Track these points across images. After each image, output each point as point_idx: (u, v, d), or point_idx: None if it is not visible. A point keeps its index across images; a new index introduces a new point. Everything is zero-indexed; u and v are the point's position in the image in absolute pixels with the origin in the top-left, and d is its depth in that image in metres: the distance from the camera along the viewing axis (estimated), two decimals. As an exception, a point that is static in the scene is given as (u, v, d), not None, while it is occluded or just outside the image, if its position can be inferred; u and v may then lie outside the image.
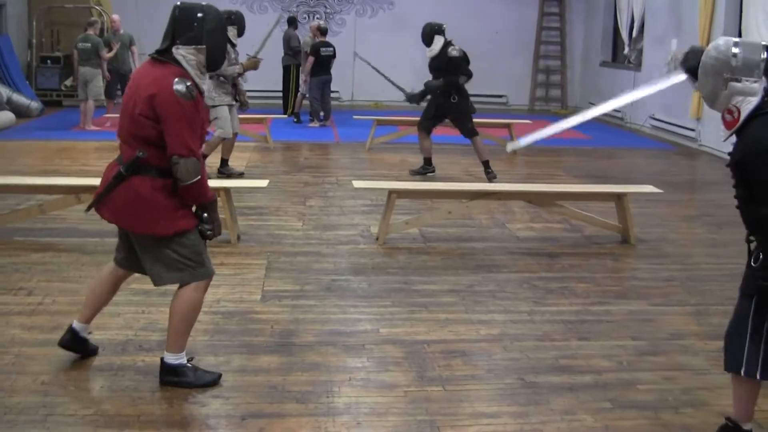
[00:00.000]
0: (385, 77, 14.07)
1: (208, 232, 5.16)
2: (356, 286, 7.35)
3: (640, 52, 19.98)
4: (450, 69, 12.18)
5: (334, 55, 17.86)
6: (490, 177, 12.25)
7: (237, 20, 11.55)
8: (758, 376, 4.39)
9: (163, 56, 5.05)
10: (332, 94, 18.90)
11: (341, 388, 5.32)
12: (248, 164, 13.07)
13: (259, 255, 8.07)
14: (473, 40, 22.09)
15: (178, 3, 5.13)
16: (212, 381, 5.28)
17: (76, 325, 5.51)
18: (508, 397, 5.27)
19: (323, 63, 17.68)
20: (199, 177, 4.99)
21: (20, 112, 17.94)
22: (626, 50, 20.77)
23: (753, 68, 4.22)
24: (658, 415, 5.07)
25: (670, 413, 5.11)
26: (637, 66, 19.94)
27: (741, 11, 15.61)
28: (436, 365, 5.68)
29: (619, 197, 9.14)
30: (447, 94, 12.28)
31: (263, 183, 9.28)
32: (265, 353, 5.79)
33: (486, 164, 12.41)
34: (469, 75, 12.39)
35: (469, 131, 12.55)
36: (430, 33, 12.39)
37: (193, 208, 5.17)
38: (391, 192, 8.72)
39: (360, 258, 8.20)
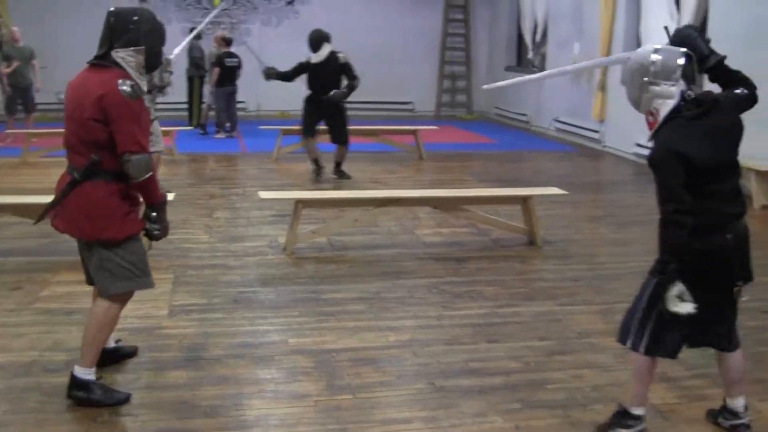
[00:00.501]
0: (257, 57, 14.28)
1: (156, 233, 5.26)
2: (264, 297, 7.29)
3: (544, 56, 20.26)
4: (343, 74, 12.66)
5: (239, 66, 17.77)
6: (342, 176, 12.91)
7: None
8: (641, 351, 4.60)
9: (102, 61, 5.09)
10: (238, 105, 18.78)
11: (251, 400, 5.28)
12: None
13: (166, 269, 7.96)
14: (379, 48, 22.28)
15: (112, 9, 5.20)
16: (122, 400, 5.21)
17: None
18: (419, 402, 5.26)
19: (228, 73, 17.58)
20: (151, 174, 5.06)
21: None
22: (530, 55, 21.02)
23: (670, 72, 4.37)
24: (567, 413, 5.12)
25: (580, 411, 5.16)
26: (541, 70, 20.15)
27: (639, 17, 15.91)
28: (345, 373, 5.66)
29: (524, 200, 9.23)
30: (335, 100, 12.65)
31: (169, 196, 9.11)
32: (174, 368, 5.71)
33: (340, 165, 13.04)
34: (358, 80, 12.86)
35: (345, 139, 12.95)
36: (318, 39, 12.68)
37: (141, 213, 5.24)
38: (298, 202, 8.69)
39: (268, 269, 8.14)
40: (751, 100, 4.61)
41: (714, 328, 4.65)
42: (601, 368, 5.84)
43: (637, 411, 4.70)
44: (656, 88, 4.39)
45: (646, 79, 4.40)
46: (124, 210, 5.10)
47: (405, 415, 5.09)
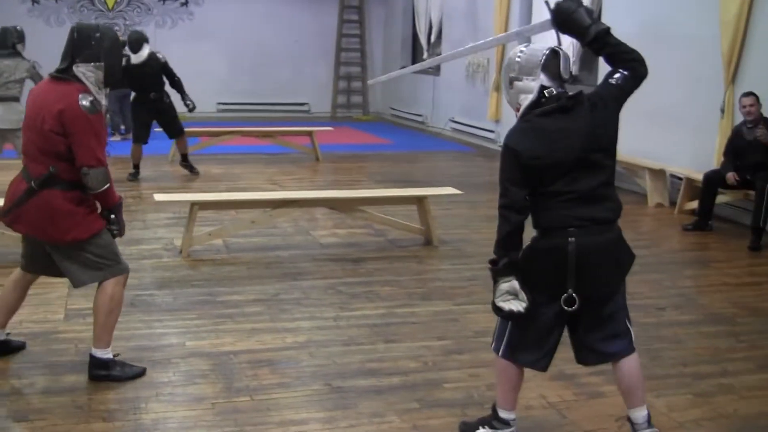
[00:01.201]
0: None
1: (115, 232, 5.53)
2: (161, 300, 7.24)
3: (439, 56, 20.40)
4: (165, 73, 12.98)
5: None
6: (192, 170, 13.39)
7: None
8: (499, 353, 4.59)
9: (63, 74, 5.28)
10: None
11: (148, 404, 5.24)
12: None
13: (61, 273, 7.85)
14: (274, 49, 22.24)
15: (75, 25, 5.43)
16: (138, 373, 5.60)
17: None
18: (316, 403, 5.29)
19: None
20: (108, 185, 5.32)
21: None
22: (425, 55, 21.15)
23: (532, 68, 4.32)
24: (464, 412, 5.17)
25: (476, 409, 5.21)
26: (436, 70, 20.32)
27: (531, 16, 16.18)
28: (243, 375, 5.65)
29: (420, 200, 9.32)
30: (161, 98, 12.95)
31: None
32: (70, 372, 5.64)
33: (185, 157, 13.48)
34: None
35: (180, 130, 13.35)
36: (138, 40, 12.78)
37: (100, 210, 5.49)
38: (193, 204, 8.64)
39: (164, 272, 8.08)
40: (634, 79, 4.41)
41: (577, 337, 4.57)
42: (494, 366, 5.91)
43: (503, 414, 4.68)
44: (519, 84, 4.36)
45: (511, 75, 4.39)
46: (83, 211, 5.35)
47: (302, 416, 5.11)
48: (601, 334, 4.51)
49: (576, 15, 4.44)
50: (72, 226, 5.30)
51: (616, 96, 4.39)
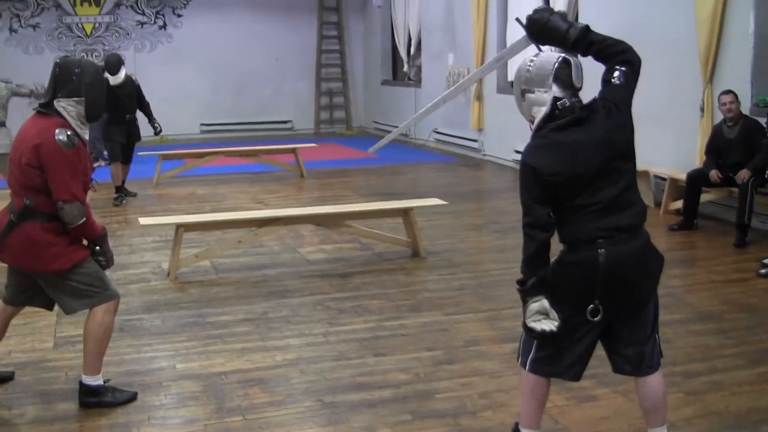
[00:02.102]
0: None
1: (102, 263, 5.55)
2: (149, 324, 7.23)
3: (419, 68, 20.47)
4: (137, 96, 13.31)
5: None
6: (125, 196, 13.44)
7: None
8: (526, 368, 4.44)
9: (46, 109, 5.35)
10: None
11: (140, 428, 5.23)
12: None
13: (48, 301, 7.84)
14: (255, 68, 22.28)
15: (58, 60, 5.50)
16: (129, 398, 5.60)
17: None
18: (309, 420, 5.29)
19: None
20: (85, 219, 5.30)
21: None
22: (405, 68, 21.22)
23: (543, 79, 4.22)
24: (457, 422, 5.19)
25: (469, 418, 5.24)
26: (417, 82, 20.41)
27: (507, 27, 16.31)
28: (234, 395, 5.65)
29: (405, 212, 9.33)
30: (133, 120, 13.24)
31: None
32: (61, 400, 5.63)
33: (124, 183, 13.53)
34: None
35: (130, 158, 13.53)
36: (117, 63, 12.94)
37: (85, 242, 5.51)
38: (179, 226, 8.64)
39: (152, 295, 8.07)
40: (633, 72, 4.32)
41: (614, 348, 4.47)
42: (488, 375, 5.94)
43: (524, 431, 4.56)
44: (531, 96, 4.25)
45: (523, 87, 4.28)
46: (64, 242, 5.35)
47: (295, 433, 5.12)
48: (634, 344, 4.42)
49: (551, 23, 4.40)
50: (54, 257, 5.31)
51: (624, 97, 4.28)
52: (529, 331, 4.24)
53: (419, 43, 20.26)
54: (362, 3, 23.38)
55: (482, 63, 16.75)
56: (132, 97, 13.14)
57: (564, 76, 4.23)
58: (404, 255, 9.32)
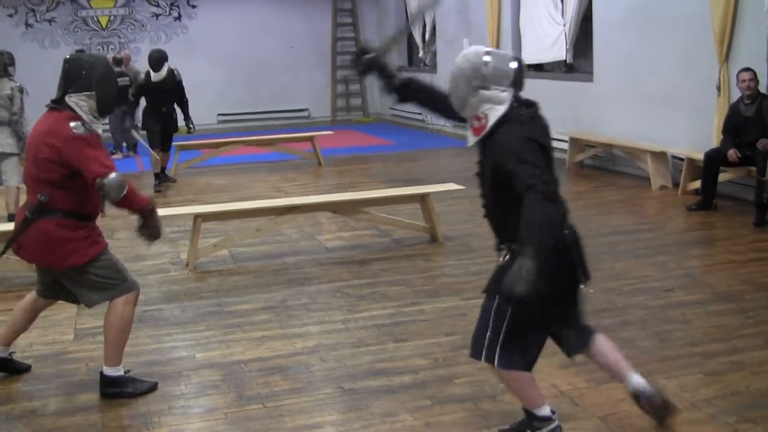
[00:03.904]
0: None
1: (150, 237, 5.64)
2: (169, 314, 7.27)
3: (435, 54, 20.42)
4: (179, 90, 13.61)
5: (131, 85, 17.59)
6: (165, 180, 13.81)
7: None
8: (489, 361, 4.47)
9: (58, 105, 5.41)
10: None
11: (161, 417, 5.26)
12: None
13: (69, 294, 7.89)
14: (270, 57, 22.30)
15: (68, 56, 5.55)
16: (150, 388, 5.63)
17: None
18: (329, 407, 5.30)
19: (120, 94, 17.33)
20: (127, 190, 5.32)
21: None
22: (421, 53, 21.18)
23: (503, 77, 4.29)
24: (477, 406, 5.20)
25: (489, 402, 5.25)
26: (433, 68, 20.35)
27: (520, 8, 16.27)
28: (254, 384, 5.67)
29: (422, 198, 9.33)
30: (169, 112, 13.62)
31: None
32: (83, 392, 5.67)
33: (164, 170, 13.94)
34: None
35: (170, 147, 13.95)
36: (160, 59, 13.29)
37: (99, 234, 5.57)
38: (197, 216, 8.67)
39: (171, 285, 8.11)
40: None
41: (564, 331, 4.61)
42: (506, 359, 5.93)
43: (539, 411, 4.57)
44: (487, 93, 4.30)
45: (476, 83, 4.31)
46: (80, 236, 5.39)
47: (316, 420, 5.13)
48: (578, 317, 4.66)
49: (380, 61, 5.02)
50: (69, 252, 5.36)
51: None
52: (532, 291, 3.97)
53: (434, 28, 20.22)
54: (376, -11, 23.38)
55: (498, 47, 16.73)
56: (172, 91, 13.46)
57: (519, 76, 4.34)
58: (422, 240, 9.33)
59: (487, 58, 4.32)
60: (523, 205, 4.05)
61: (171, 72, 13.40)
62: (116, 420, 5.26)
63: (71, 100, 5.37)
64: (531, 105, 4.35)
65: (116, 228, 10.78)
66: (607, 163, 13.80)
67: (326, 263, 8.65)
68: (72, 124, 5.24)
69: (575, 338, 4.63)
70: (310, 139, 15.77)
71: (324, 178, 14.49)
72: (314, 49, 23.08)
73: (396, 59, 22.52)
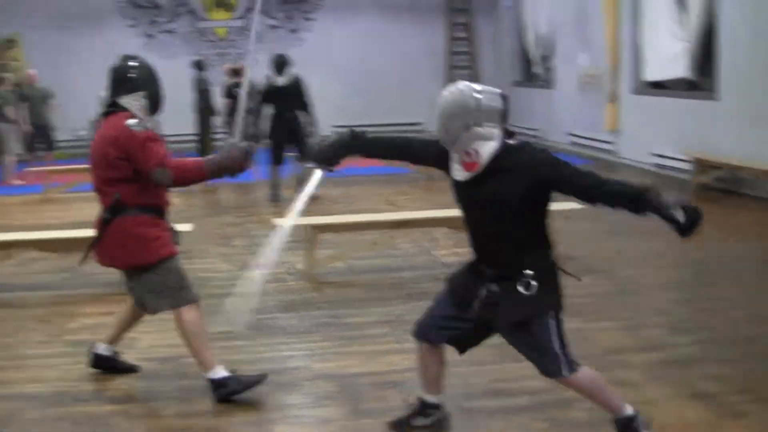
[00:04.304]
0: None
1: (242, 168, 5.72)
2: (285, 323, 7.31)
3: (550, 69, 20.26)
4: (301, 96, 13.48)
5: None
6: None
7: None
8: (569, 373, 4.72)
9: (111, 108, 5.66)
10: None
11: (276, 425, 5.35)
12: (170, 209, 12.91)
13: (188, 299, 7.98)
14: (384, 71, 22.39)
15: (113, 64, 5.78)
16: (257, 381, 5.73)
17: (98, 347, 6.13)
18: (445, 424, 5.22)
19: (238, 104, 17.55)
20: (174, 179, 5.53)
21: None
22: (537, 69, 21.01)
23: (494, 114, 4.46)
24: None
25: (608, 429, 5.09)
26: (548, 83, 20.21)
27: (641, 24, 16.03)
28: (370, 397, 5.66)
29: (541, 216, 9.18)
30: (294, 118, 13.36)
31: (187, 227, 9.17)
32: (201, 396, 5.73)
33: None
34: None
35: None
36: (282, 64, 13.37)
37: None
38: (314, 227, 8.69)
39: (287, 295, 8.16)
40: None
41: None
42: (629, 385, 5.74)
43: (627, 411, 4.74)
44: (479, 130, 4.45)
45: (469, 121, 4.44)
46: (153, 236, 5.62)
47: (431, 437, 5.06)
48: None
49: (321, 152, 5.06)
50: (142, 249, 5.59)
51: None
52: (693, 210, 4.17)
53: (550, 43, 20.04)
54: (491, 4, 23.27)
55: (616, 63, 16.53)
56: (296, 96, 13.44)
57: (507, 111, 4.56)
58: (538, 259, 9.18)
59: (478, 96, 4.46)
60: (603, 192, 4.44)
61: (296, 78, 13.44)
62: (233, 426, 5.35)
63: (124, 101, 5.62)
64: (513, 134, 4.58)
65: (232, 236, 10.92)
66: (733, 185, 13.44)
67: (442, 279, 8.46)
68: (129, 121, 5.48)
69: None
70: (424, 152, 15.67)
71: (437, 192, 14.33)
72: (429, 62, 23.08)
73: (511, 73, 22.39)
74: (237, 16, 22.53)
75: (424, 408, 5.03)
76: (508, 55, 22.84)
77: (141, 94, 5.65)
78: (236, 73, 18.02)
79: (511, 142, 4.52)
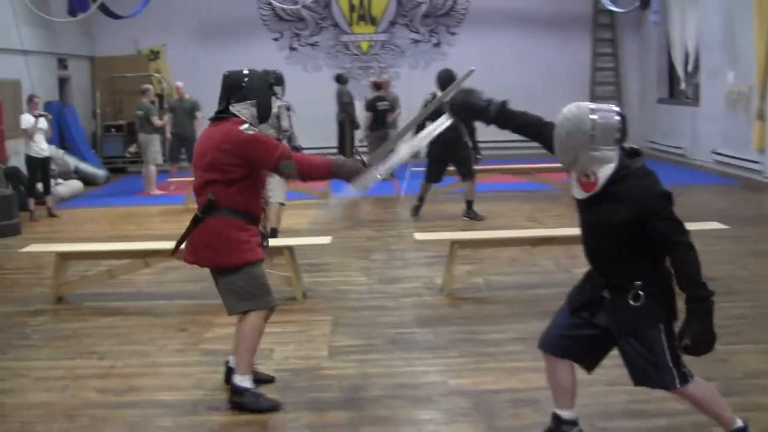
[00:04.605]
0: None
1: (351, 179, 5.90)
2: (422, 338, 7.35)
3: (697, 86, 19.86)
4: None
5: (390, 109, 17.95)
6: (473, 217, 13.18)
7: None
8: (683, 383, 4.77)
9: (222, 114, 5.85)
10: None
11: (411, 440, 5.33)
12: (310, 221, 13.15)
13: (325, 311, 8.12)
14: (527, 86, 22.25)
15: (227, 72, 6.01)
16: (269, 408, 5.79)
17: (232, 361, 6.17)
18: (580, 445, 5.20)
19: (380, 117, 17.78)
20: (297, 172, 5.71)
21: (87, 180, 18.54)
22: (683, 86, 20.63)
23: (611, 135, 4.43)
24: (734, 456, 4.96)
25: (745, 453, 5.02)
26: (695, 101, 19.81)
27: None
28: (505, 415, 5.65)
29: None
30: (457, 137, 12.72)
31: (326, 240, 9.33)
32: (334, 408, 5.82)
33: (470, 204, 13.43)
34: None
35: (469, 173, 13.38)
36: (450, 79, 12.83)
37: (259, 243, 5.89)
38: (454, 242, 8.73)
39: (424, 310, 8.20)
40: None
41: None
42: (765, 410, 5.67)
43: (737, 424, 4.81)
44: (596, 154, 4.44)
45: (586, 144, 4.44)
46: (241, 239, 5.74)
47: (566, 456, 5.04)
48: None
49: (470, 100, 5.20)
50: (227, 253, 5.72)
51: None
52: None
53: (697, 60, 19.65)
54: (637, 19, 22.93)
55: (765, 79, 16.09)
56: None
57: (625, 130, 4.50)
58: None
59: (594, 117, 4.43)
60: (674, 258, 4.50)
61: None
62: (366, 439, 5.37)
63: (235, 109, 5.82)
64: (637, 153, 4.54)
65: (371, 249, 11.03)
66: None
67: (580, 297, 8.49)
68: (242, 126, 5.69)
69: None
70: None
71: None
72: (572, 78, 22.84)
73: (656, 90, 22.06)
74: (380, 30, 22.76)
75: (559, 424, 4.99)
76: (654, 71, 22.49)
77: (251, 102, 5.85)
78: (378, 87, 18.22)
79: (628, 162, 4.49)
